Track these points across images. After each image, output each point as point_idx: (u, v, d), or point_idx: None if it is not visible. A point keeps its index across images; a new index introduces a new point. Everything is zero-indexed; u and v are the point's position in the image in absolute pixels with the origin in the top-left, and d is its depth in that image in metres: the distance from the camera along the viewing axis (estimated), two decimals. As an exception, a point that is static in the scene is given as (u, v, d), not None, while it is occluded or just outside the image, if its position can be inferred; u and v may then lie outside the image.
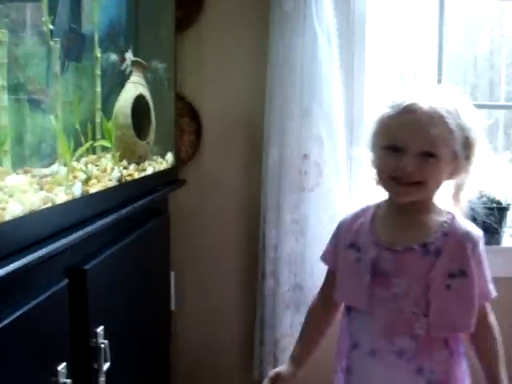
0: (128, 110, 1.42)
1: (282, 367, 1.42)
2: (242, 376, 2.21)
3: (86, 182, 1.18)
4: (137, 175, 1.49)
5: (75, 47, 1.15)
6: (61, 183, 1.06)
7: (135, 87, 1.48)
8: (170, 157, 1.81)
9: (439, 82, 2.18)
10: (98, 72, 1.26)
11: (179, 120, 2.02)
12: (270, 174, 1.99)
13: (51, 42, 1.03)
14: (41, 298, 0.94)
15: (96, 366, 1.15)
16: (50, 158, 1.05)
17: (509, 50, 2.60)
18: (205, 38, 2.09)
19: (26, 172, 0.95)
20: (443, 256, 1.21)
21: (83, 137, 1.17)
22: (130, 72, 1.46)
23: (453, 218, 1.26)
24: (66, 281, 1.05)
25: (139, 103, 1.48)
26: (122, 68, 1.42)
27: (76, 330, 1.09)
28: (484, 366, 1.28)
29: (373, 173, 1.30)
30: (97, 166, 1.26)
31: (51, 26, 1.02)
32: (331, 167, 1.98)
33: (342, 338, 1.35)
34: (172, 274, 2.00)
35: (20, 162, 0.94)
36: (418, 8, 2.33)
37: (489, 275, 1.26)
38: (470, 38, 2.54)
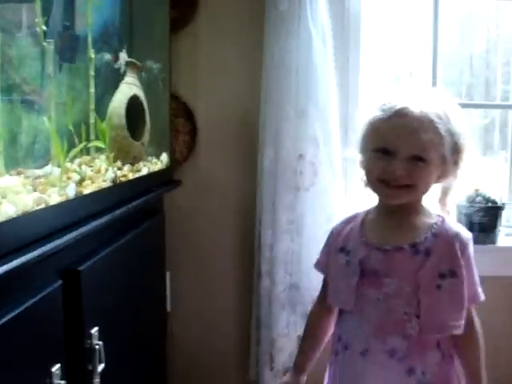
0: (122, 111, 1.42)
1: (287, 377, 1.46)
2: (239, 376, 2.21)
3: (79, 183, 1.17)
4: (131, 176, 1.49)
5: (69, 48, 1.15)
6: (54, 184, 1.06)
7: (129, 88, 1.48)
8: (164, 157, 1.81)
9: (434, 81, 2.18)
10: (92, 73, 1.26)
11: (174, 120, 2.02)
12: (265, 174, 1.99)
13: (45, 43, 1.03)
14: (35, 299, 0.94)
15: (90, 368, 1.15)
16: (44, 159, 1.04)
17: (505, 49, 2.60)
18: (200, 38, 2.09)
19: (19, 173, 0.95)
20: (433, 256, 1.22)
21: (77, 138, 1.17)
22: (124, 72, 1.46)
23: (442, 220, 1.28)
24: (60, 282, 1.05)
25: (133, 104, 1.48)
26: (116, 67, 1.41)
27: (70, 331, 1.09)
28: (467, 370, 1.29)
29: (362, 174, 1.31)
30: (91, 166, 1.26)
31: (44, 27, 1.02)
32: (326, 167, 1.98)
33: (332, 341, 1.37)
34: (167, 274, 2.00)
35: (13, 163, 0.93)
36: (413, 8, 2.33)
37: (477, 278, 1.27)
38: (465, 38, 2.55)
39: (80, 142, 1.19)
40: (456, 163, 1.25)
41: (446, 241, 1.24)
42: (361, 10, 2.14)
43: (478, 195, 2.11)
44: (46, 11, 1.03)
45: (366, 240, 1.28)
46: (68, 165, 1.14)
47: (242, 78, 2.10)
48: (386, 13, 2.32)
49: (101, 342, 1.16)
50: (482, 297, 1.28)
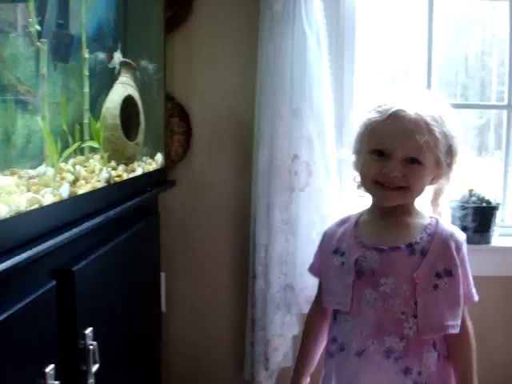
0: (116, 111, 1.42)
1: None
2: (234, 376, 2.21)
3: (73, 183, 1.17)
4: (126, 176, 1.48)
5: (63, 48, 1.15)
6: (48, 184, 1.06)
7: (124, 88, 1.48)
8: (159, 157, 1.81)
9: (429, 82, 2.19)
10: (86, 73, 1.25)
11: (169, 120, 2.02)
12: (260, 175, 1.99)
13: (38, 43, 1.02)
14: (28, 300, 0.94)
15: (85, 368, 1.14)
16: (37, 159, 1.04)
17: (500, 49, 2.60)
18: (195, 38, 2.09)
19: (12, 173, 0.95)
20: (429, 256, 1.23)
21: (71, 138, 1.17)
22: (119, 72, 1.46)
23: (436, 221, 1.29)
24: (54, 282, 1.05)
25: (128, 104, 1.47)
26: (111, 67, 1.41)
27: (64, 332, 1.08)
28: (458, 372, 1.29)
29: (355, 176, 1.31)
30: (85, 166, 1.26)
31: (38, 27, 1.01)
32: (321, 167, 1.98)
33: (327, 343, 1.38)
34: (162, 274, 2.00)
35: (7, 163, 0.93)
36: (408, 8, 2.33)
37: (471, 279, 1.28)
38: (461, 38, 2.55)
39: (74, 142, 1.18)
40: (449, 165, 1.26)
41: (441, 241, 1.25)
42: (356, 11, 2.14)
43: (472, 195, 2.12)
44: (40, 11, 1.03)
45: (361, 241, 1.29)
46: (62, 165, 1.13)
47: (236, 78, 2.10)
48: (380, 13, 2.32)
49: (95, 343, 1.16)
50: (476, 297, 1.29)
